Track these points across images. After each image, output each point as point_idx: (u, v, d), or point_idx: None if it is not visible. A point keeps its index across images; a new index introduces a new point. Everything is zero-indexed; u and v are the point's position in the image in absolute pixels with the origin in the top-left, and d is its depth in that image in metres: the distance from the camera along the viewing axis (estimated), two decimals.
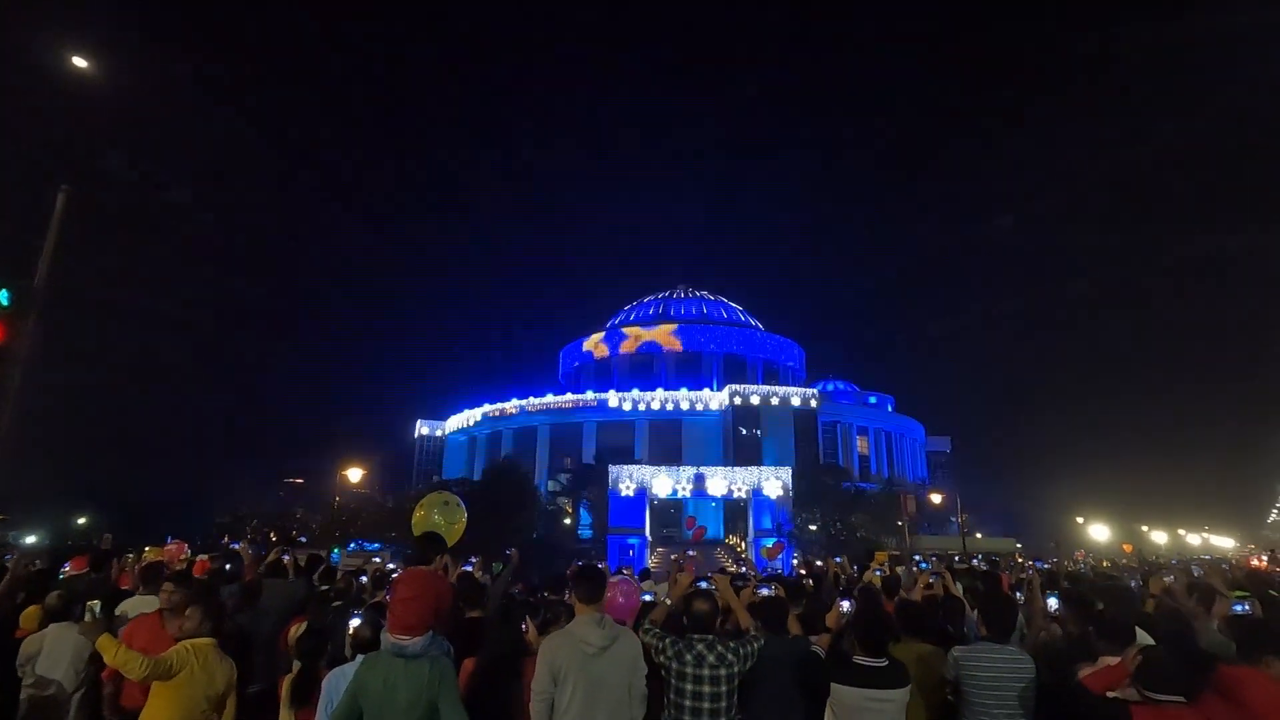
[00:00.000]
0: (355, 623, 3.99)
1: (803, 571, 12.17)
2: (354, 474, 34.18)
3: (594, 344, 67.46)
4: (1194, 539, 63.70)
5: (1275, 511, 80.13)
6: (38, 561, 9.46)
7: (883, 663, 3.72)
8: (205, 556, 9.86)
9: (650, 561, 34.05)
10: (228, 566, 7.32)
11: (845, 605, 5.43)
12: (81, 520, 38.93)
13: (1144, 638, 4.34)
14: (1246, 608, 4.86)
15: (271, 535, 28.90)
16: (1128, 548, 43.03)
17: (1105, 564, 24.81)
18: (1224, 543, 61.64)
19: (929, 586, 6.32)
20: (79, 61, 11.70)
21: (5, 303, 7.55)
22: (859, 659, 3.78)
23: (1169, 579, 6.82)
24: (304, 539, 30.34)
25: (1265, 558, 26.31)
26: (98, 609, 3.86)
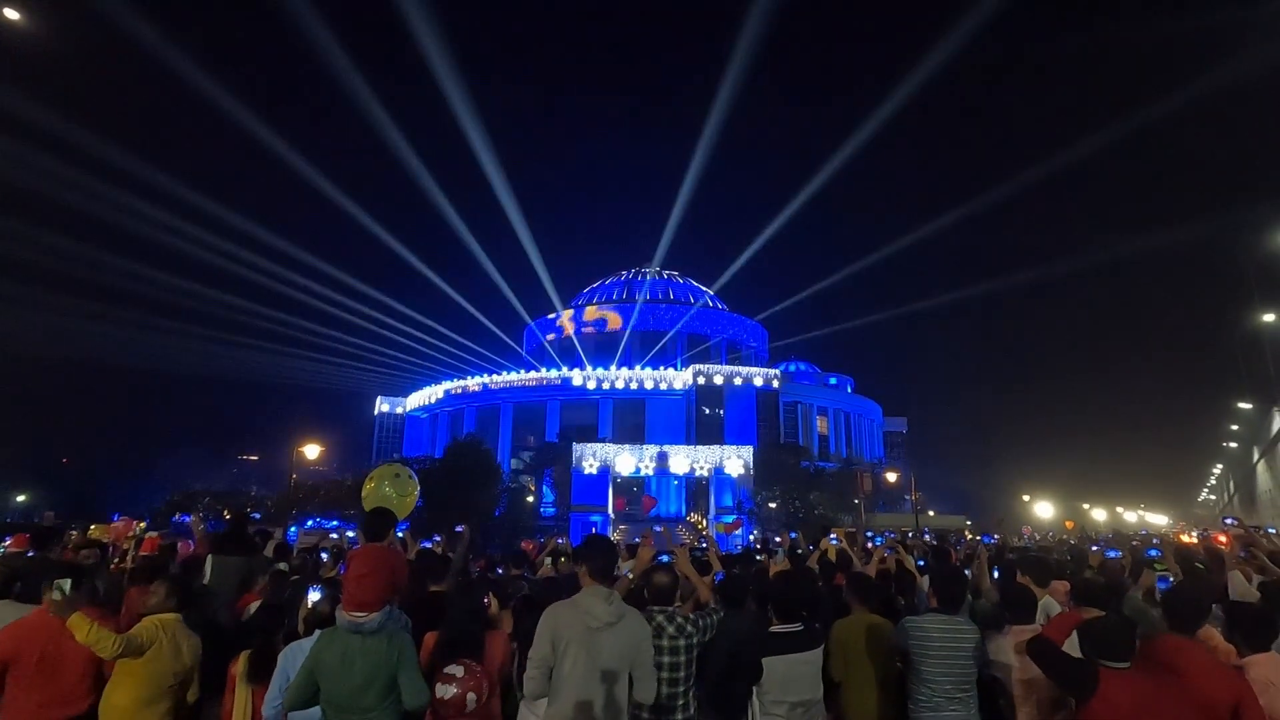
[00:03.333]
0: (314, 597, 3.95)
1: (758, 547, 12.49)
2: (311, 451, 33.56)
3: (559, 322, 67.10)
4: (1131, 516, 66.96)
5: (1205, 491, 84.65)
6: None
7: (798, 627, 3.85)
8: (155, 534, 9.61)
9: (613, 538, 34.31)
10: (179, 544, 7.16)
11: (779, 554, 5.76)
12: (21, 498, 37.43)
13: (1052, 608, 4.59)
14: (1170, 580, 5.18)
15: (225, 512, 28.23)
16: (1069, 524, 44.96)
17: (1051, 538, 25.94)
18: (1158, 520, 64.94)
19: (882, 561, 6.54)
20: (10, 13, 11.03)
21: None
22: (776, 627, 3.89)
23: (1110, 555, 7.22)
24: (257, 515, 29.74)
25: (1195, 535, 27.80)
26: (66, 587, 3.74)
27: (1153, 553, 6.73)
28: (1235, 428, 55.75)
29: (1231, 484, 68.42)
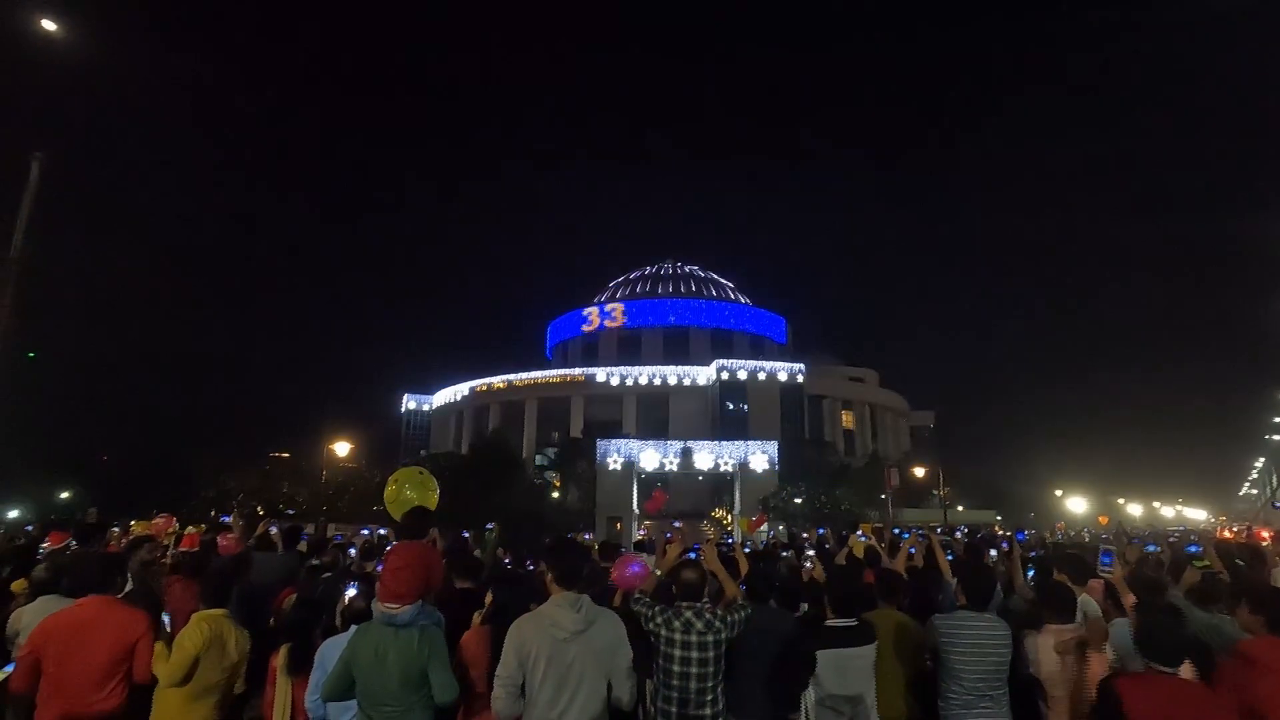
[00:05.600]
0: (350, 593, 4.03)
1: (783, 542, 12.46)
2: (341, 448, 34.13)
3: (582, 318, 67.32)
4: (1168, 511, 65.37)
5: (1247, 485, 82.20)
6: (30, 529, 9.44)
7: (853, 622, 3.88)
8: (193, 530, 9.88)
9: (637, 535, 34.49)
10: (218, 540, 7.36)
11: (810, 553, 5.75)
12: (65, 495, 38.58)
13: (1090, 606, 4.49)
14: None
15: (259, 509, 28.86)
16: (1103, 520, 44.04)
17: (1085, 535, 25.46)
18: (1196, 515, 63.30)
19: (909, 557, 6.46)
20: (48, 24, 11.33)
21: None
22: (831, 621, 3.91)
23: (1149, 549, 7.05)
24: (291, 511, 30.37)
25: (1236, 530, 27.07)
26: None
27: (1192, 548, 6.56)
28: (1278, 419, 54.03)
29: (1274, 478, 66.31)
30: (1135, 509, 61.83)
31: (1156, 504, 66.68)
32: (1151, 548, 7.17)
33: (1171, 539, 13.65)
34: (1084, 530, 34.75)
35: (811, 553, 5.78)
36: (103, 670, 3.72)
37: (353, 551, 8.56)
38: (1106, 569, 4.27)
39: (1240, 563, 6.22)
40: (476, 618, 4.00)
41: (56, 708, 3.66)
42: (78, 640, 3.72)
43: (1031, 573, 5.54)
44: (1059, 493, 60.14)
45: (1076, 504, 55.18)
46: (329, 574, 6.09)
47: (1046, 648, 3.85)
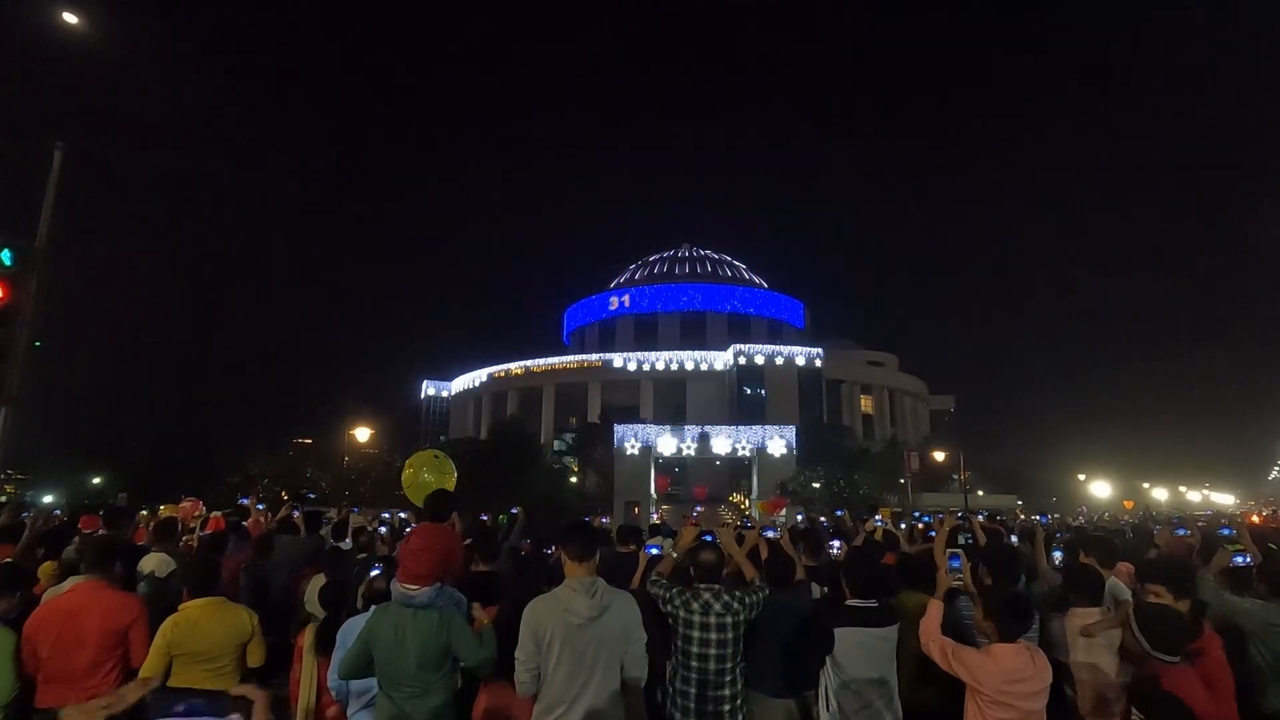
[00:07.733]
0: (373, 574, 4.07)
1: (804, 527, 12.42)
2: (362, 434, 34.57)
3: (599, 304, 67.33)
4: (1195, 495, 64.31)
5: (1276, 469, 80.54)
6: (58, 512, 9.65)
7: (873, 603, 3.84)
8: (219, 514, 10.05)
9: (653, 519, 34.64)
10: (242, 523, 7.51)
11: (835, 545, 5.71)
12: (96, 480, 39.57)
13: (1119, 589, 4.38)
14: (1248, 559, 4.92)
15: (282, 494, 29.37)
16: (1129, 504, 43.42)
17: (1106, 517, 25.15)
18: (1224, 499, 62.21)
19: (927, 539, 6.39)
20: (69, 17, 11.41)
21: (8, 263, 7.48)
22: (851, 601, 3.88)
23: (1182, 532, 6.93)
24: (313, 495, 30.87)
25: (1264, 513, 26.57)
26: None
27: (1226, 531, 6.41)
28: None
29: None
30: (1160, 493, 60.84)
31: (1182, 488, 65.62)
32: (1182, 532, 7.03)
33: (1200, 523, 13.41)
34: (1105, 513, 34.32)
35: (838, 543, 5.67)
36: (93, 656, 3.63)
37: (384, 530, 8.68)
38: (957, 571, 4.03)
39: (1273, 547, 6.08)
40: None
41: (52, 695, 3.57)
42: (68, 626, 3.63)
43: (1060, 557, 5.46)
44: (1082, 477, 59.37)
45: (1100, 488, 54.46)
46: (365, 554, 6.17)
47: (1073, 631, 3.79)
